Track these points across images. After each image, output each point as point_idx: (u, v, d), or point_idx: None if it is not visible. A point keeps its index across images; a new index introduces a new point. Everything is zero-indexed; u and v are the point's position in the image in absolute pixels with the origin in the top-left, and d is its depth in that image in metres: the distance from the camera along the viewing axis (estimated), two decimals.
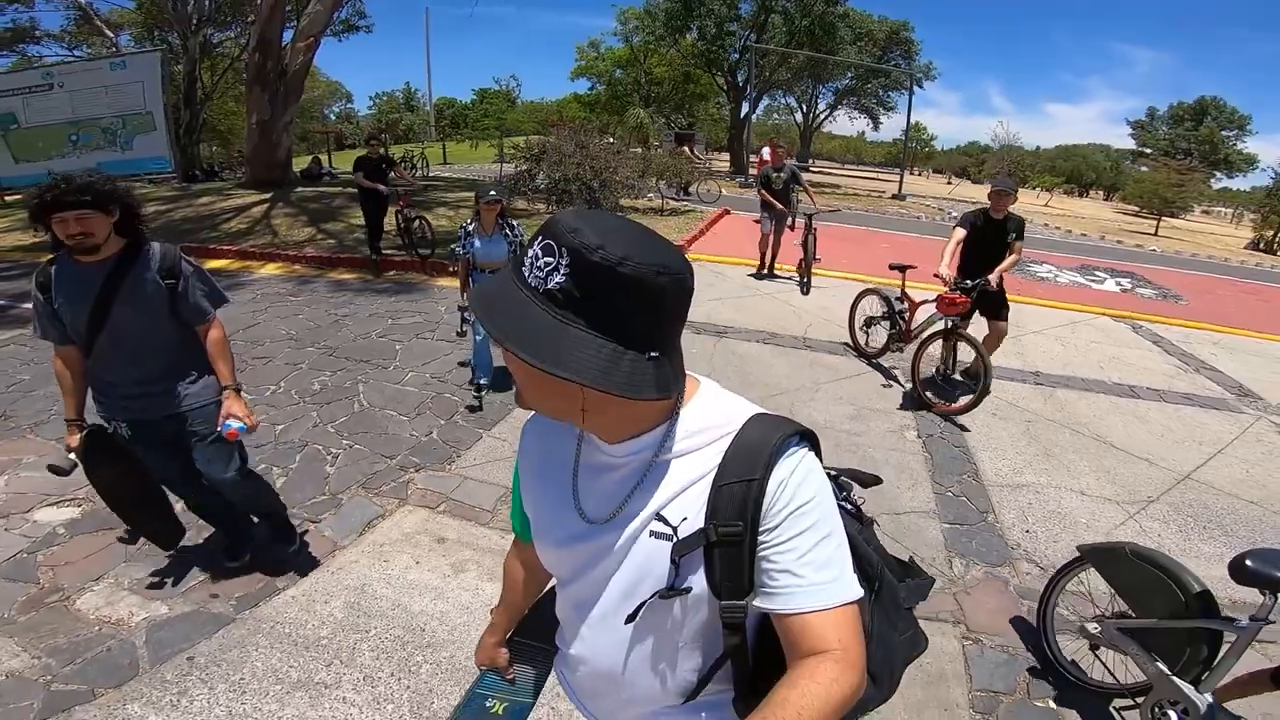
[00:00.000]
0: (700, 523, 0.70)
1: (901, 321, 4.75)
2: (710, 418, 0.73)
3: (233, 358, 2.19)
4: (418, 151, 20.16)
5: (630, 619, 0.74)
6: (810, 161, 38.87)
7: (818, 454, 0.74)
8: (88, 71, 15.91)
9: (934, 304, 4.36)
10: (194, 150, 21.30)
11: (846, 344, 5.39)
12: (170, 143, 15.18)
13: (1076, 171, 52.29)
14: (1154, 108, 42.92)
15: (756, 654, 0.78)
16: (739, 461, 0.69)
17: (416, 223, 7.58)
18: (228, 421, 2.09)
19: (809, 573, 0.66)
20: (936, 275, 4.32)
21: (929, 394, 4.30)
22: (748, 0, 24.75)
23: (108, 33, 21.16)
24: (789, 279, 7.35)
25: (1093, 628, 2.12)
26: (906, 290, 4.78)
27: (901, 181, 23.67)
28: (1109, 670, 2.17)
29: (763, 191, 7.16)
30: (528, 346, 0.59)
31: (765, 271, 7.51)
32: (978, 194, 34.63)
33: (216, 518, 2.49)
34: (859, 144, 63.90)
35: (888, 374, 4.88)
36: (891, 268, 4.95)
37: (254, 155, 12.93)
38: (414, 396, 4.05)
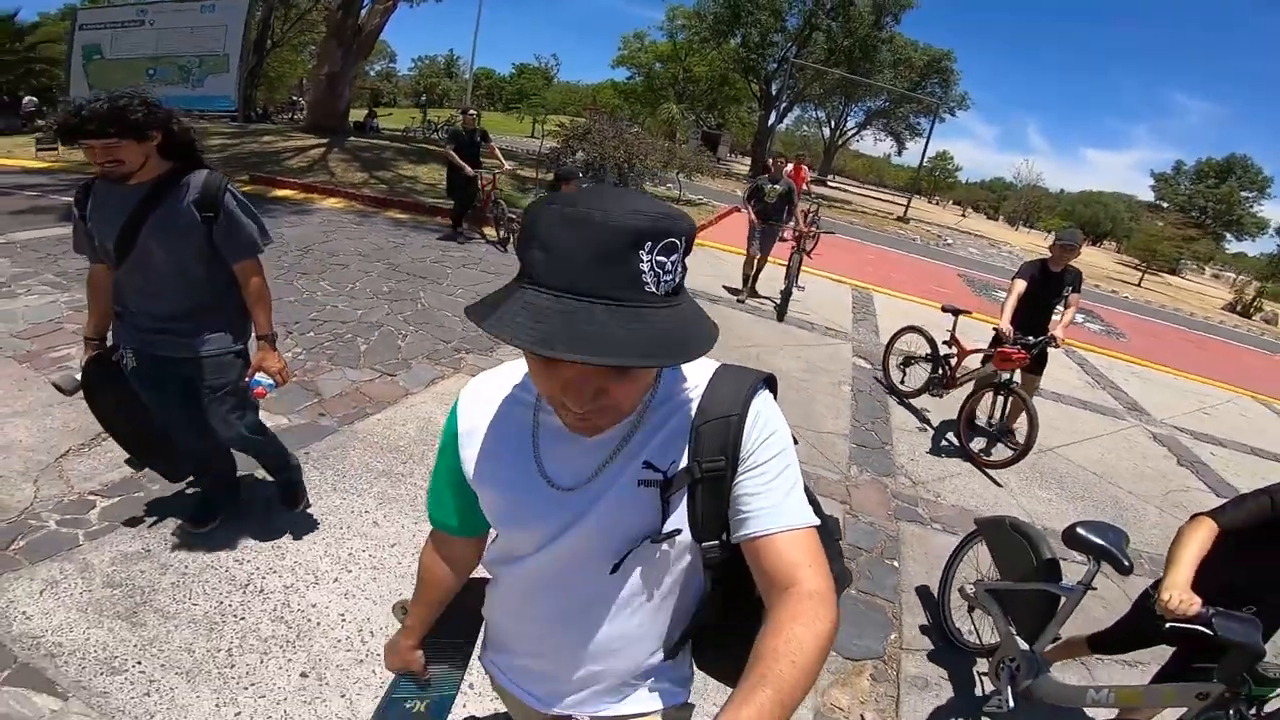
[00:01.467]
0: (685, 463, 0.73)
1: (946, 367, 4.63)
2: (684, 374, 0.78)
3: (271, 306, 2.05)
4: (456, 117, 21.19)
5: (615, 569, 0.76)
6: (830, 177, 39.71)
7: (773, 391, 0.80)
8: (178, 12, 16.94)
9: (991, 358, 4.19)
10: (252, 93, 22.41)
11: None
12: (238, 84, 16.28)
13: (1094, 218, 53.01)
14: (1181, 161, 43.34)
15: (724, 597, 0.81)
16: (717, 402, 0.74)
17: (502, 207, 7.25)
18: (257, 376, 1.99)
19: (776, 496, 0.71)
20: (996, 329, 4.19)
21: (971, 445, 4.24)
22: (795, 14, 25.71)
23: None
24: (768, 300, 6.80)
25: (969, 589, 2.34)
26: (957, 336, 4.61)
27: (908, 205, 24.66)
28: (977, 632, 2.45)
29: (747, 206, 6.62)
30: (703, 341, 0.60)
31: (747, 292, 6.79)
32: (990, 229, 35.42)
33: (199, 475, 2.36)
34: (883, 165, 64.51)
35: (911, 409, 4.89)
36: (944, 310, 4.78)
37: (316, 103, 14.12)
38: (464, 304, 5.14)
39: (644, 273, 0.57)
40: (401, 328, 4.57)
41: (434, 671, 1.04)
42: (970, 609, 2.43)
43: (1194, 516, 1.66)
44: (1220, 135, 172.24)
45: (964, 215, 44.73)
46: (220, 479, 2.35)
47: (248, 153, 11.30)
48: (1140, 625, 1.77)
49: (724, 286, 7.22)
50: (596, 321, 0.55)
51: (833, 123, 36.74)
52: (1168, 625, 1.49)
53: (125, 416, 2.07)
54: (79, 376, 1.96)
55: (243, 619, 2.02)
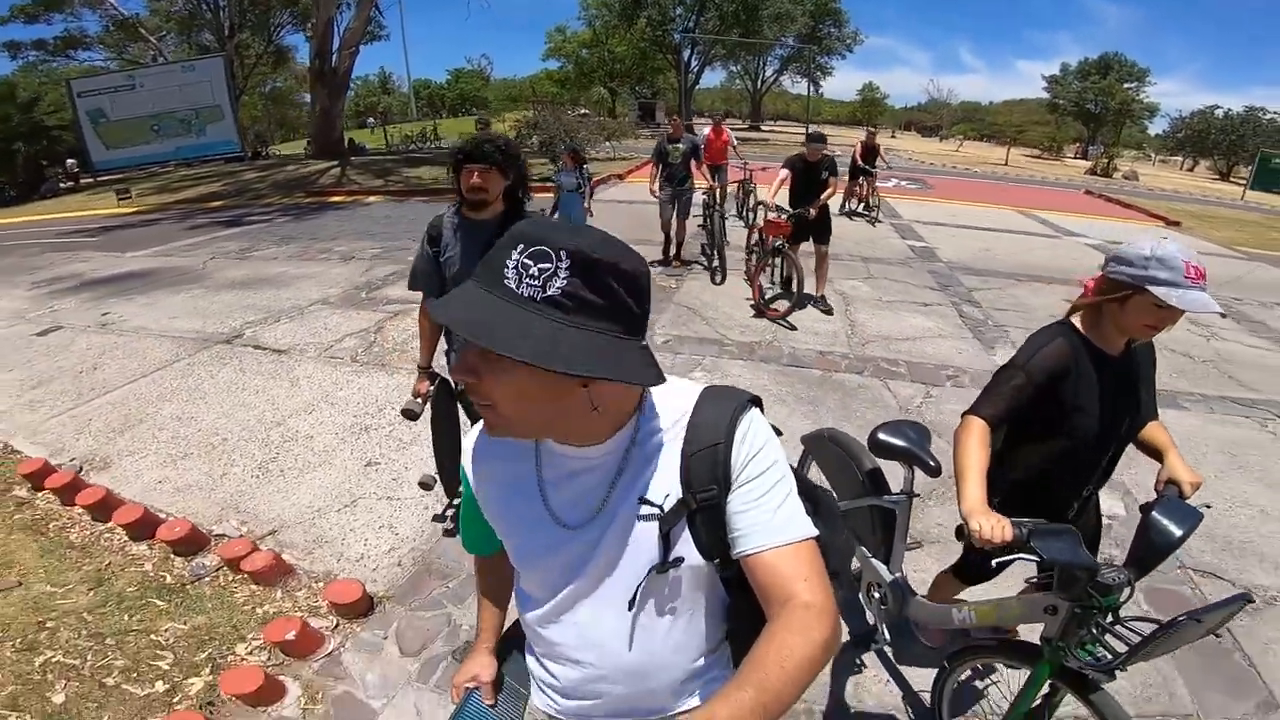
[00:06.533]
0: (679, 495, 0.75)
1: (763, 249, 5.65)
2: (668, 400, 0.78)
3: None
4: (430, 129, 24.73)
5: (631, 604, 0.78)
6: (763, 123, 43.55)
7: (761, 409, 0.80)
8: (162, 74, 20.25)
9: (766, 229, 5.20)
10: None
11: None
12: (236, 129, 19.66)
13: (1009, 124, 57.39)
14: (1066, 63, 48.23)
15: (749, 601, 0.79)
16: (703, 430, 0.75)
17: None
18: None
19: (766, 513, 0.72)
20: (761, 203, 5.35)
21: (767, 306, 5.26)
22: None
23: (150, 39, 25.21)
24: (698, 264, 6.68)
25: None
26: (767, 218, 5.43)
27: (806, 130, 29.36)
28: None
29: (654, 181, 6.35)
30: (555, 358, 0.59)
31: (672, 258, 6.59)
32: (910, 144, 39.57)
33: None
34: (818, 103, 68.61)
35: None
36: (757, 204, 6.35)
37: (317, 134, 17.83)
38: None
39: (508, 268, 0.62)
40: None
41: (502, 702, 0.98)
42: None
43: (963, 417, 1.47)
44: (1137, 35, 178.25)
45: (892, 135, 49.19)
46: None
47: (285, 179, 14.89)
48: (978, 557, 1.42)
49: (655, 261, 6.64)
50: (459, 295, 0.64)
51: (751, 75, 40.47)
52: (994, 561, 1.33)
53: (450, 438, 2.35)
54: (419, 400, 2.23)
55: None
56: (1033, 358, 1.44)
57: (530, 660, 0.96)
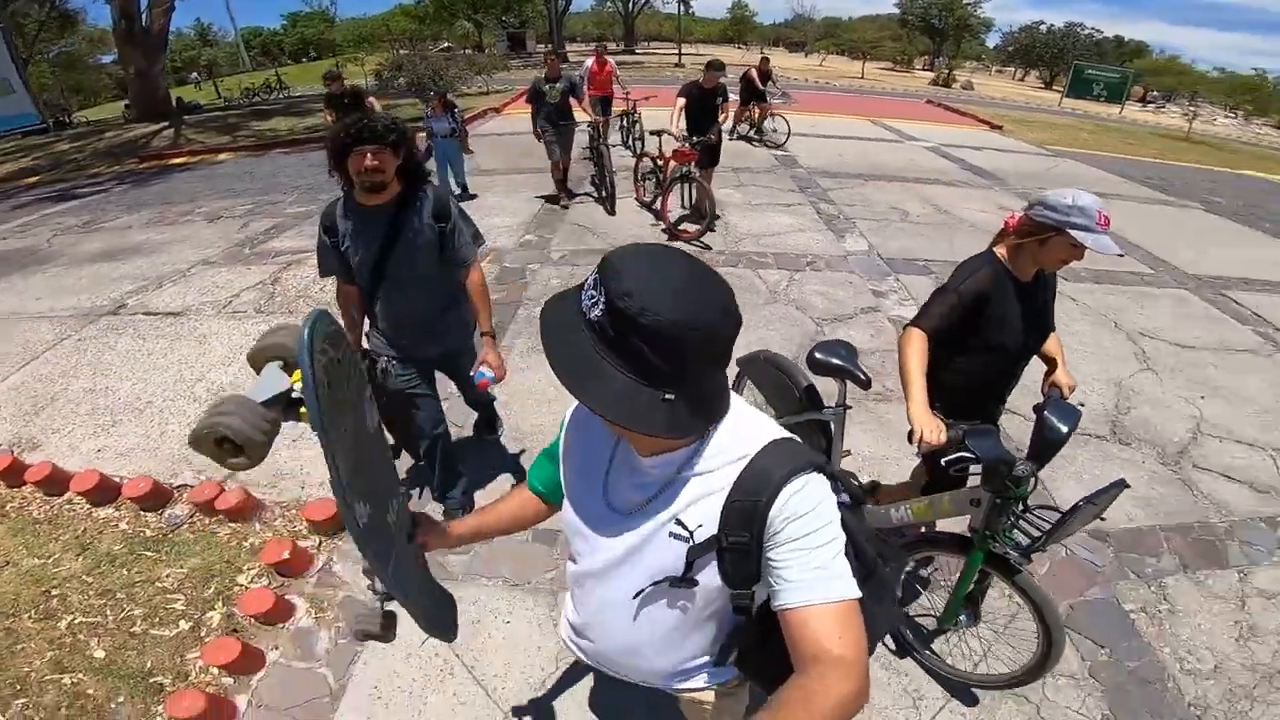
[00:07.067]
0: (713, 530, 0.79)
1: (660, 175, 5.92)
2: (731, 442, 0.81)
3: (491, 304, 2.18)
4: (274, 79, 22.18)
5: (638, 594, 0.87)
6: (637, 46, 42.72)
7: (827, 475, 0.80)
8: None
9: (672, 158, 5.38)
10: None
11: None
12: (34, 100, 16.72)
13: (865, 39, 60.07)
14: None
15: (761, 629, 0.86)
16: (751, 483, 0.77)
17: None
18: (481, 370, 2.11)
19: (805, 572, 0.73)
20: (668, 133, 5.38)
21: (679, 228, 5.64)
22: None
23: None
24: (588, 196, 6.77)
25: None
26: (663, 151, 5.81)
27: (680, 51, 30.66)
28: None
29: (535, 125, 6.14)
30: (563, 365, 0.69)
31: (560, 195, 6.49)
32: (782, 61, 40.69)
33: (436, 463, 2.43)
34: (690, 23, 68.06)
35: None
36: (651, 134, 6.26)
37: (137, 98, 15.83)
38: None
39: (585, 284, 0.71)
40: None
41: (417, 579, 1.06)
42: None
43: (905, 329, 1.67)
44: None
45: (762, 53, 50.12)
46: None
47: (107, 146, 13.07)
48: (933, 465, 1.66)
49: (540, 198, 6.73)
50: (568, 315, 0.73)
51: None
52: (943, 461, 1.51)
53: (389, 415, 2.25)
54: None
55: None
56: (964, 282, 1.65)
57: (567, 600, 1.07)
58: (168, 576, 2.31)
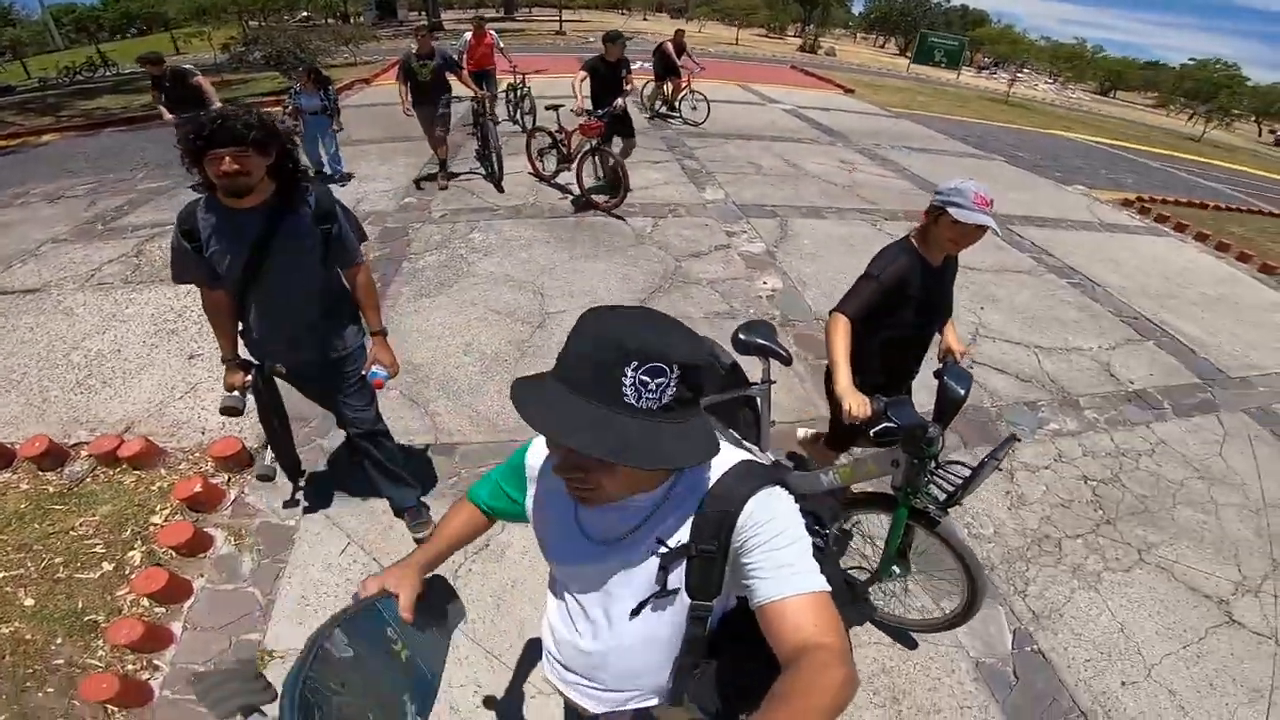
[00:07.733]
0: (686, 539, 0.86)
1: (564, 148, 5.95)
2: (713, 461, 0.84)
3: (379, 303, 2.12)
4: (97, 57, 19.53)
5: (634, 614, 0.92)
6: (515, 13, 41.42)
7: (788, 490, 0.87)
8: None
9: (578, 131, 5.50)
10: None
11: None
12: None
13: (740, 6, 62.17)
14: None
15: (724, 641, 0.95)
16: (721, 494, 0.84)
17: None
18: (374, 369, 2.04)
19: (777, 570, 0.78)
20: (571, 107, 5.35)
21: (593, 197, 5.62)
22: None
23: None
24: (476, 174, 6.51)
25: None
26: (563, 125, 5.92)
27: (561, 20, 30.05)
28: None
29: (405, 100, 5.85)
30: (680, 458, 0.72)
31: (440, 176, 6.16)
32: (663, 27, 41.27)
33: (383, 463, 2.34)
34: None
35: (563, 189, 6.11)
36: (548, 108, 6.15)
37: None
38: None
39: (625, 386, 0.68)
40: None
41: (419, 626, 0.92)
42: None
43: (831, 314, 1.84)
44: None
45: (644, 19, 50.54)
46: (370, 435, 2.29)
47: None
48: (846, 427, 1.80)
49: (416, 182, 6.33)
50: (577, 414, 0.68)
51: None
52: (871, 432, 1.67)
53: (282, 425, 2.26)
54: (236, 394, 2.02)
55: None
56: (885, 269, 1.85)
57: (546, 632, 1.10)
58: (81, 525, 2.36)
